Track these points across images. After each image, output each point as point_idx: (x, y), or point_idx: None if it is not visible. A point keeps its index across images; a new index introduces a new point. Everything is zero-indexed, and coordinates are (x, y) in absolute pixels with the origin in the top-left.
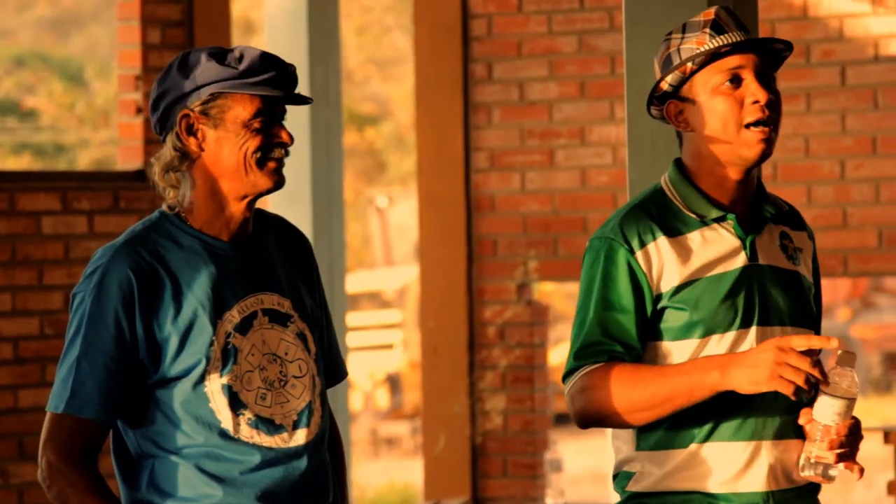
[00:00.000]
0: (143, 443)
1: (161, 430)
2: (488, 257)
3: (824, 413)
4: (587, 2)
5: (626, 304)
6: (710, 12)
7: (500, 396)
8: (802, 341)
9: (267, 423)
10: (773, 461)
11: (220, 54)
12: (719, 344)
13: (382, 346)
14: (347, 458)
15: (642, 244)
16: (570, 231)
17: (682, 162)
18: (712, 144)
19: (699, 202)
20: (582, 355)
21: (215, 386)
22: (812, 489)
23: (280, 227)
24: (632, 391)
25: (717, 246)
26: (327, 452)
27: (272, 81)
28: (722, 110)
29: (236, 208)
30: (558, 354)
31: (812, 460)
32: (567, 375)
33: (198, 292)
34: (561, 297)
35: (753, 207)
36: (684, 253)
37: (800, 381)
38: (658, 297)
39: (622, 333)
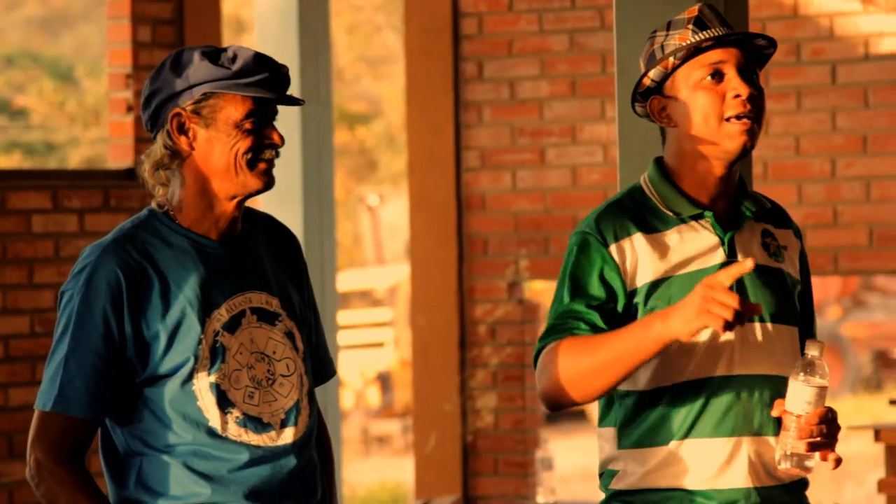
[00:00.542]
0: (131, 441)
1: (149, 429)
2: (479, 256)
3: (796, 403)
4: (578, 0)
5: (594, 293)
6: (695, 9)
7: (490, 395)
8: (727, 276)
9: (255, 422)
10: (754, 457)
11: (214, 54)
12: (696, 341)
13: (373, 344)
14: (338, 456)
15: (617, 239)
16: (560, 229)
17: (664, 160)
18: (694, 139)
19: (677, 200)
20: (545, 336)
21: (203, 384)
22: (798, 486)
23: (269, 226)
24: (581, 357)
25: (694, 243)
26: (315, 451)
27: (265, 83)
28: (703, 104)
29: (226, 207)
30: None
31: (788, 452)
32: (535, 361)
33: (186, 291)
34: (552, 296)
35: (734, 205)
36: (660, 250)
37: (727, 315)
38: (633, 293)
39: (589, 318)
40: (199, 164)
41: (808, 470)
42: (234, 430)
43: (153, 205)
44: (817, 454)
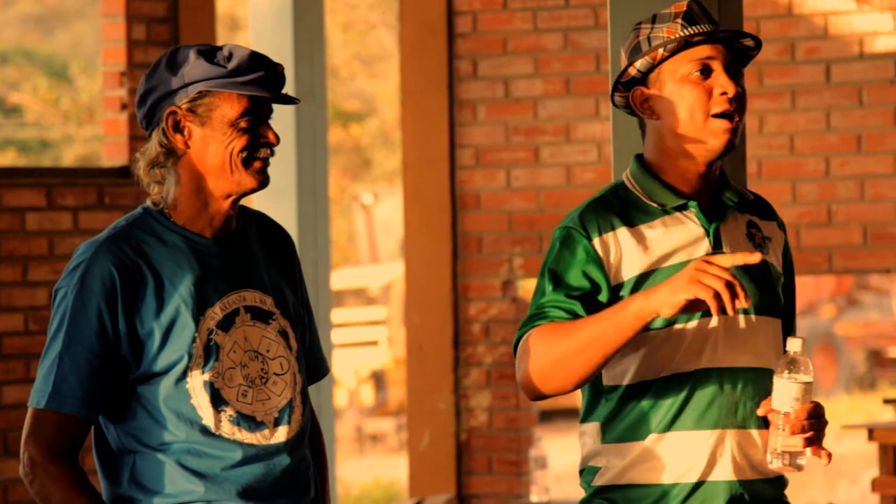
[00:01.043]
0: (125, 438)
1: (143, 426)
2: (473, 254)
3: (783, 400)
4: None
5: (575, 284)
6: (682, 4)
7: (484, 393)
8: (729, 259)
9: (248, 420)
10: (738, 450)
11: (210, 52)
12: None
13: (367, 342)
14: (332, 454)
15: (600, 233)
16: (554, 228)
17: (643, 157)
18: (678, 132)
19: (660, 191)
20: (524, 325)
21: (197, 382)
22: (779, 478)
23: (263, 224)
24: (558, 339)
25: (679, 235)
26: (309, 449)
27: (261, 81)
28: (690, 99)
29: (220, 206)
30: None
31: (779, 451)
32: (514, 351)
33: (180, 289)
34: None
35: (716, 196)
36: (645, 243)
37: (719, 287)
38: (618, 287)
39: (568, 306)
40: (195, 162)
41: (800, 468)
42: (228, 429)
43: (148, 203)
44: (809, 451)
